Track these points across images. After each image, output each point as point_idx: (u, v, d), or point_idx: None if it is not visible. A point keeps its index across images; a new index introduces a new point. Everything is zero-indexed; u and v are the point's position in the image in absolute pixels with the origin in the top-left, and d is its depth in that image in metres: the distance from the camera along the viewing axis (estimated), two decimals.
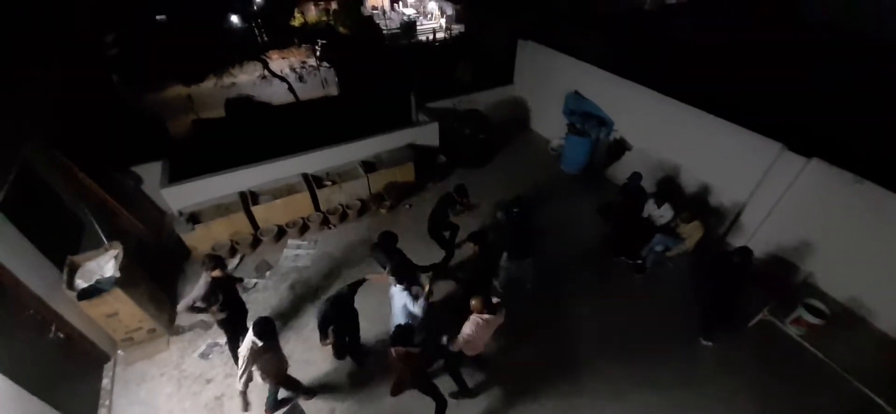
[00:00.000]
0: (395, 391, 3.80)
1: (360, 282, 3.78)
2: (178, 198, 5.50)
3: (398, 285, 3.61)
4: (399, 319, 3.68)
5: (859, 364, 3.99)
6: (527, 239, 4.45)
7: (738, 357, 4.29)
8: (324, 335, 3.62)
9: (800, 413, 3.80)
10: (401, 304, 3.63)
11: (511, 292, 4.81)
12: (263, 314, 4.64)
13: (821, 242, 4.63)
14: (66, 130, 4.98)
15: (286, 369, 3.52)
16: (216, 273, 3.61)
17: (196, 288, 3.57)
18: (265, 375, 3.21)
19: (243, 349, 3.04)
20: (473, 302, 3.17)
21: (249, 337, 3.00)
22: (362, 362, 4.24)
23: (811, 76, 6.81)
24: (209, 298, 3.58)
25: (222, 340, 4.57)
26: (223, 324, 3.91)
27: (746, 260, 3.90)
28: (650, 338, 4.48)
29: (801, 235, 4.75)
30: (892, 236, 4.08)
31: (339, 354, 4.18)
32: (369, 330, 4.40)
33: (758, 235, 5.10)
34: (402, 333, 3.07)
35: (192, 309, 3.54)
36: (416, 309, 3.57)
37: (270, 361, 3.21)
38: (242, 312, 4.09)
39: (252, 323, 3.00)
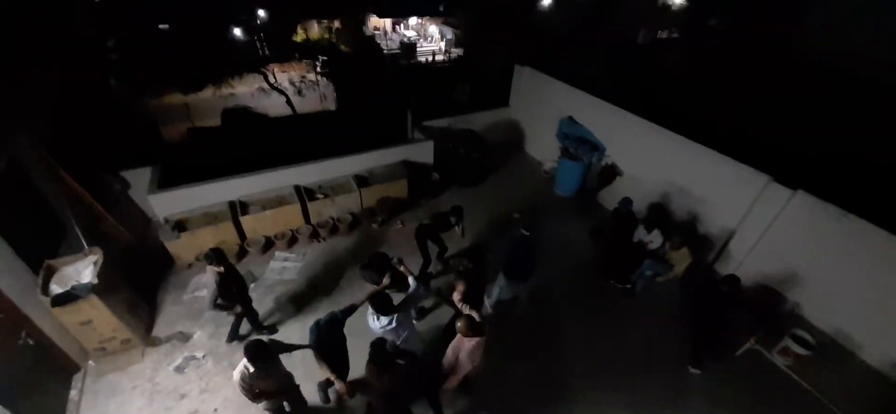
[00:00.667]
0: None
1: (353, 308, 3.52)
2: (166, 205, 5.41)
3: (380, 318, 3.39)
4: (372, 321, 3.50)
5: (845, 396, 3.95)
6: (528, 263, 4.39)
7: (726, 385, 4.25)
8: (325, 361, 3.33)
9: None
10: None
11: (500, 313, 4.75)
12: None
13: (807, 273, 4.67)
14: (55, 130, 4.92)
15: (289, 387, 3.36)
16: (220, 269, 3.72)
17: (208, 286, 3.76)
18: (261, 397, 3.02)
19: (236, 375, 2.87)
20: (459, 325, 3.10)
21: (242, 363, 2.85)
22: (324, 393, 4.01)
23: (799, 111, 7.02)
24: (224, 293, 3.80)
25: (200, 353, 4.43)
26: (245, 313, 4.25)
27: (734, 288, 3.91)
28: (638, 363, 4.43)
29: (788, 266, 4.79)
30: (877, 270, 4.13)
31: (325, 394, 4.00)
32: (356, 346, 4.27)
33: (745, 264, 5.13)
34: (380, 351, 2.90)
35: (217, 306, 3.82)
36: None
37: (266, 384, 3.02)
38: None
39: (243, 347, 2.83)
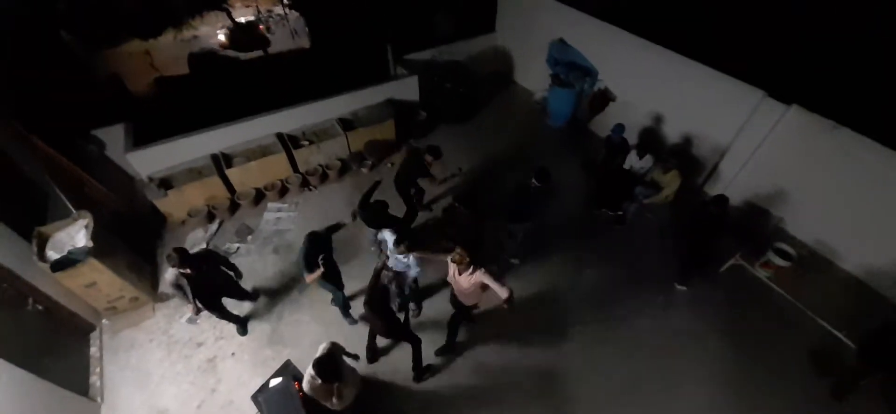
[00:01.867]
0: (371, 358, 4.02)
1: (338, 226, 3.83)
2: (145, 162, 5.25)
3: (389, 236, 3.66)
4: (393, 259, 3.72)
5: (823, 303, 4.24)
6: (526, 205, 4.28)
7: (711, 300, 4.53)
8: (309, 269, 3.58)
9: (766, 351, 4.08)
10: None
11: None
12: (257, 286, 4.70)
13: (793, 189, 4.76)
14: (16, 95, 4.59)
15: (356, 390, 3.31)
16: (185, 270, 3.41)
17: (168, 274, 3.53)
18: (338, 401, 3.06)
19: (306, 386, 2.91)
20: (456, 256, 3.11)
21: (309, 373, 2.87)
22: (349, 317, 4.35)
23: (797, 20, 6.58)
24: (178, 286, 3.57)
25: None
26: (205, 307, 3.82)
27: (722, 209, 3.99)
28: (629, 285, 4.67)
29: (776, 183, 4.87)
30: (862, 181, 4.20)
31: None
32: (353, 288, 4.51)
33: (734, 184, 5.21)
34: (379, 298, 3.14)
35: (176, 287, 3.58)
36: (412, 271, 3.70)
37: (338, 391, 2.99)
38: (221, 289, 4.04)
39: (313, 362, 2.78)
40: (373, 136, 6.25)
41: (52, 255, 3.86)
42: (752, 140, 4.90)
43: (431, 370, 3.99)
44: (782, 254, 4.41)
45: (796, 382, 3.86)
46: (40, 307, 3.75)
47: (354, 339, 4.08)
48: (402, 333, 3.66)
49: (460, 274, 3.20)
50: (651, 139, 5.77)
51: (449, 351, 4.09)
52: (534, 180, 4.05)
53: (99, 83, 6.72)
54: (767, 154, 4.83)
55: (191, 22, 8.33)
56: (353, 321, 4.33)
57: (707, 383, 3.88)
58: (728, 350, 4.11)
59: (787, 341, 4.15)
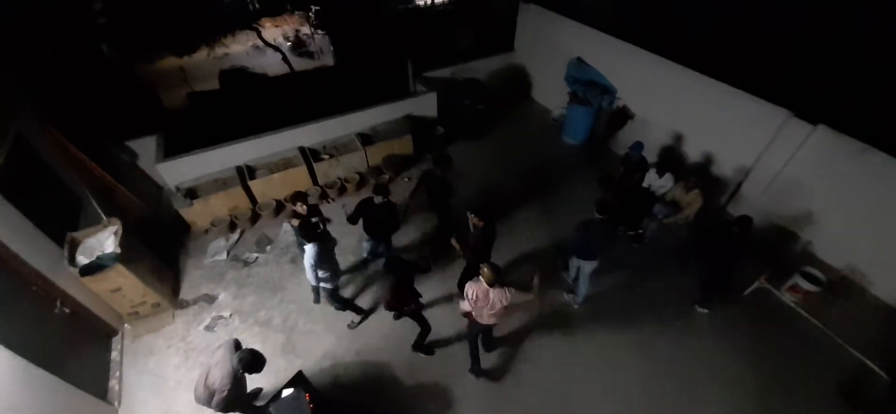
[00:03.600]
0: (395, 314, 4.33)
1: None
2: (175, 173, 5.45)
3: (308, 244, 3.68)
4: (308, 273, 3.75)
5: (854, 330, 4.05)
6: (597, 243, 4.10)
7: (733, 324, 4.36)
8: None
9: (792, 378, 3.89)
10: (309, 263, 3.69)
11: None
12: (265, 288, 4.76)
13: (821, 211, 4.60)
14: (56, 103, 4.87)
15: None
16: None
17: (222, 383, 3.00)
18: None
19: None
20: (484, 269, 3.09)
21: None
22: (343, 307, 4.39)
23: (825, 37, 6.47)
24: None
25: (226, 312, 4.67)
26: None
27: (746, 229, 3.88)
28: (646, 306, 4.55)
29: (803, 205, 4.72)
30: (894, 205, 4.03)
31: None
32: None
33: (759, 204, 5.06)
34: (392, 263, 3.47)
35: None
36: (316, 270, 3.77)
37: None
38: None
39: None
40: (391, 151, 6.36)
41: (82, 259, 4.00)
42: (776, 160, 4.79)
43: (431, 352, 4.16)
44: (810, 278, 4.23)
45: None
46: (67, 310, 3.86)
47: (340, 324, 4.36)
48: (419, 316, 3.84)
49: (490, 291, 3.16)
50: (671, 158, 5.69)
51: (480, 371, 4.02)
52: (596, 213, 3.90)
53: (134, 95, 7.07)
54: (793, 175, 4.70)
55: (223, 40, 8.76)
56: (341, 306, 4.39)
57: (727, 411, 3.71)
58: (750, 376, 3.93)
59: (814, 370, 3.95)
